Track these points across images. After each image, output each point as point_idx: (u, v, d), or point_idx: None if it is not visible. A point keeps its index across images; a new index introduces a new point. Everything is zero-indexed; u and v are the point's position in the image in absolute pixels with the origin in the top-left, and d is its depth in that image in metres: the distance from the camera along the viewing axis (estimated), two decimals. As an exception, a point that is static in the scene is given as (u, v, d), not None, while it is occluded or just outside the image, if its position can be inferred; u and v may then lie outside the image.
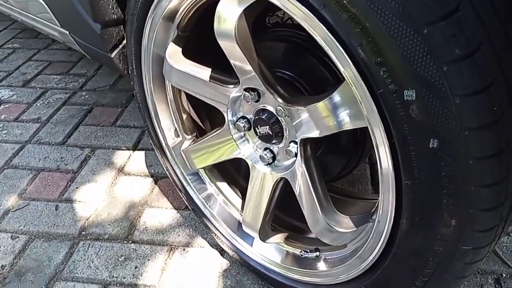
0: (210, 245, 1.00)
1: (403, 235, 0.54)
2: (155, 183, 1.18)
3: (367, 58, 0.46)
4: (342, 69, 0.50)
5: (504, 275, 0.92)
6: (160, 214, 1.09)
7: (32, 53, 1.93)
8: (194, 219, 1.06)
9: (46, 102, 1.56)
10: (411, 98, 0.45)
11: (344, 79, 0.51)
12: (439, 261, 0.53)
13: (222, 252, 0.98)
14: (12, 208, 1.13)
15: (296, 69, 0.70)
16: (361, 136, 0.73)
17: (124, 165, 1.25)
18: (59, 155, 1.30)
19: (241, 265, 0.93)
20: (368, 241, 0.61)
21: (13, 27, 2.19)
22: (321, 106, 0.58)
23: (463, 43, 0.43)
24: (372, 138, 0.52)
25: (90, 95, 1.59)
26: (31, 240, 1.03)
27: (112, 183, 1.19)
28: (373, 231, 0.60)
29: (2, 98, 1.60)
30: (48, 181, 1.21)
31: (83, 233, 1.05)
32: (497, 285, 0.90)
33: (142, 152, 1.29)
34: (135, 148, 1.32)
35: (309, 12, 0.49)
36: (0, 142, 1.37)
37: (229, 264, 0.95)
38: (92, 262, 0.97)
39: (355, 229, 0.65)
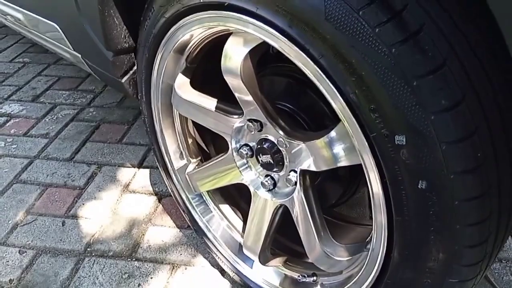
0: (211, 265, 1.03)
1: (395, 266, 0.58)
2: (159, 201, 1.22)
3: (361, 104, 0.50)
4: (338, 111, 0.54)
5: (495, 301, 0.95)
6: (163, 232, 1.12)
7: (42, 68, 1.99)
8: (196, 238, 1.09)
9: (54, 118, 1.61)
10: (402, 142, 0.49)
11: (341, 120, 0.55)
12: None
13: (222, 272, 1.01)
14: (20, 223, 1.16)
15: (297, 104, 0.75)
16: (358, 169, 0.77)
17: (129, 182, 1.29)
18: (66, 171, 1.34)
19: (241, 286, 0.97)
20: (362, 269, 0.65)
21: (23, 41, 2.26)
22: (319, 143, 0.62)
23: (449, 95, 0.47)
24: (366, 176, 0.55)
25: (98, 112, 1.63)
26: (38, 255, 1.07)
27: (117, 200, 1.23)
28: (367, 260, 0.63)
29: (12, 112, 1.65)
30: (56, 196, 1.25)
31: (88, 249, 1.08)
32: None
33: (147, 170, 1.33)
34: (140, 165, 1.36)
35: (309, 60, 0.53)
36: (9, 156, 1.41)
37: (229, 285, 0.99)
38: (97, 278, 1.01)
39: (350, 257, 0.69)
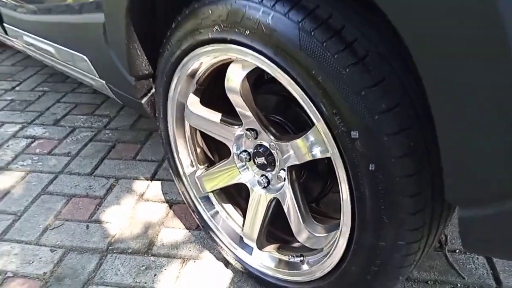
0: (217, 259, 1.20)
1: (358, 235, 0.76)
2: (170, 207, 1.40)
3: (327, 110, 0.69)
4: (312, 116, 0.73)
5: (459, 285, 1.12)
6: (174, 233, 1.29)
7: (60, 95, 2.20)
8: (203, 237, 1.26)
9: (74, 139, 1.80)
10: (356, 136, 0.68)
11: (315, 124, 0.74)
12: (384, 253, 0.74)
13: (226, 264, 1.18)
14: (50, 227, 1.34)
15: (284, 115, 0.94)
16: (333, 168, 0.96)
17: (144, 192, 1.47)
18: (88, 183, 1.52)
19: (242, 273, 1.13)
20: (336, 242, 0.82)
21: (42, 72, 2.48)
22: (300, 141, 0.80)
23: (388, 101, 0.65)
24: (334, 165, 0.74)
25: (113, 133, 1.83)
26: (67, 253, 1.24)
27: (134, 207, 1.40)
28: (339, 235, 0.81)
29: (36, 134, 1.85)
30: (79, 205, 1.42)
31: (110, 247, 1.25)
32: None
33: (159, 182, 1.51)
34: (152, 178, 1.54)
35: (290, 79, 0.72)
36: (36, 172, 1.59)
37: (232, 274, 1.15)
38: (119, 270, 1.17)
39: (327, 234, 0.86)
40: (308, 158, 0.81)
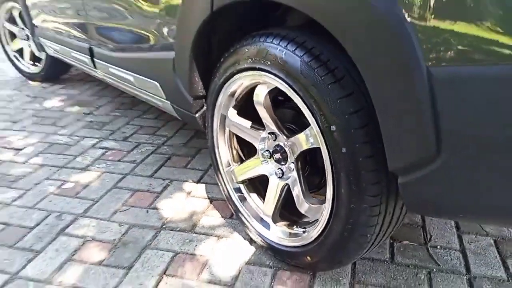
0: (244, 238, 1.54)
1: (337, 201, 1.09)
2: (211, 202, 1.77)
3: (317, 113, 1.05)
4: (308, 119, 1.09)
5: (434, 269, 1.39)
6: (213, 219, 1.66)
7: (129, 119, 2.69)
8: (234, 223, 1.61)
9: (139, 151, 2.24)
10: (334, 129, 1.03)
11: (310, 124, 1.10)
12: (354, 214, 1.07)
13: (251, 242, 1.52)
14: (118, 210, 1.74)
15: (293, 121, 1.31)
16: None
17: (191, 191, 1.86)
18: (148, 182, 1.93)
19: (262, 248, 1.46)
20: (323, 211, 1.16)
21: (115, 101, 3.01)
22: (301, 136, 1.17)
23: (354, 106, 1.01)
24: (322, 152, 1.09)
25: (170, 149, 2.26)
26: (131, 228, 1.63)
27: (183, 201, 1.79)
28: (325, 205, 1.14)
29: (109, 146, 2.31)
30: (141, 197, 1.83)
31: (163, 226, 1.63)
32: (428, 276, 1.36)
33: (203, 185, 1.90)
34: (198, 182, 1.93)
35: (295, 94, 1.09)
36: (109, 173, 2.03)
37: (255, 249, 1.49)
38: (169, 241, 1.54)
39: (320, 206, 1.20)
40: (307, 146, 1.17)
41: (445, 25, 0.77)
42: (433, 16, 0.78)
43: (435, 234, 1.54)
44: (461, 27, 0.76)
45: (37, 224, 1.66)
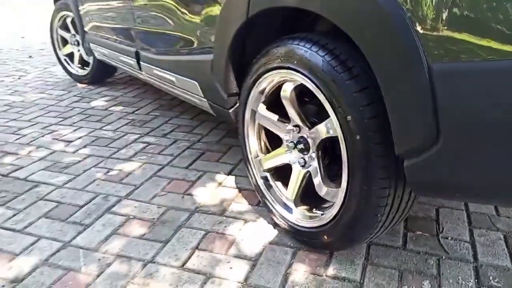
0: (268, 223, 1.70)
1: (351, 183, 1.24)
2: (239, 192, 1.94)
3: (335, 106, 1.21)
4: (328, 111, 1.25)
5: (444, 257, 1.50)
6: (241, 206, 1.83)
7: (168, 118, 2.91)
8: (261, 210, 1.78)
9: (176, 147, 2.45)
10: (349, 119, 1.18)
11: (330, 116, 1.26)
12: (366, 195, 1.21)
13: (275, 225, 1.67)
14: (157, 195, 1.94)
15: (315, 114, 1.46)
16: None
17: (222, 182, 2.03)
18: (184, 173, 2.13)
19: (285, 231, 1.62)
20: (338, 194, 1.31)
21: (154, 102, 3.25)
22: (322, 126, 1.33)
23: (367, 100, 1.16)
24: (339, 140, 1.24)
25: (204, 145, 2.46)
26: (168, 210, 1.82)
27: (215, 189, 1.97)
28: (342, 186, 1.29)
29: (150, 141, 2.53)
30: (178, 185, 2.02)
31: (196, 209, 1.81)
32: (437, 262, 1.48)
33: (233, 176, 2.08)
34: (229, 174, 2.10)
35: (317, 89, 1.26)
36: (150, 163, 2.24)
37: (277, 232, 1.64)
38: (201, 221, 1.72)
39: (337, 189, 1.35)
40: (327, 135, 1.32)
41: (443, 28, 0.92)
42: (432, 21, 0.94)
43: (447, 227, 1.65)
44: (455, 31, 0.91)
45: (86, 204, 1.88)
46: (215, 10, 1.67)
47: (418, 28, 0.96)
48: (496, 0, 0.85)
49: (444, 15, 0.92)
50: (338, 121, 1.23)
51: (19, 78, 4.14)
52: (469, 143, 0.98)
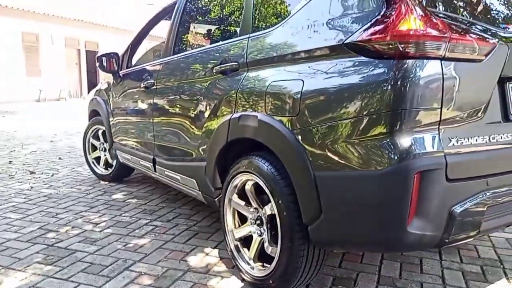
0: (237, 278, 2.44)
1: (282, 245, 2.03)
2: (220, 259, 2.69)
3: (274, 196, 2.06)
4: (271, 198, 2.10)
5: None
6: (220, 268, 2.58)
7: (172, 208, 3.72)
8: (234, 270, 2.52)
9: (177, 229, 3.23)
10: (280, 202, 2.02)
11: (271, 201, 2.10)
12: (290, 250, 1.99)
13: (242, 280, 2.41)
14: (161, 260, 2.69)
15: (264, 201, 2.31)
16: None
17: (209, 252, 2.80)
18: (182, 246, 2.89)
19: (248, 283, 2.35)
20: (277, 251, 2.10)
21: (162, 197, 4.10)
22: (267, 208, 2.17)
23: (290, 191, 2.01)
24: (276, 215, 2.08)
25: (198, 228, 3.24)
26: (168, 269, 2.55)
27: (203, 258, 2.72)
28: (277, 247, 2.09)
29: (157, 224, 3.32)
30: (176, 254, 2.78)
31: (189, 269, 2.56)
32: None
33: (217, 250, 2.84)
34: (214, 248, 2.87)
35: (265, 186, 2.13)
36: (157, 240, 3.02)
37: (244, 284, 2.38)
38: (191, 277, 2.46)
39: (276, 248, 2.14)
40: (270, 213, 2.15)
41: (321, 151, 1.82)
42: (314, 140, 1.83)
43: (360, 285, 2.38)
44: (329, 154, 1.81)
45: (111, 264, 2.64)
46: (209, 135, 2.62)
47: (308, 149, 1.85)
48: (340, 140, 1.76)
49: (319, 144, 1.83)
50: (275, 203, 2.07)
51: (52, 175, 5.06)
52: (339, 216, 1.81)
